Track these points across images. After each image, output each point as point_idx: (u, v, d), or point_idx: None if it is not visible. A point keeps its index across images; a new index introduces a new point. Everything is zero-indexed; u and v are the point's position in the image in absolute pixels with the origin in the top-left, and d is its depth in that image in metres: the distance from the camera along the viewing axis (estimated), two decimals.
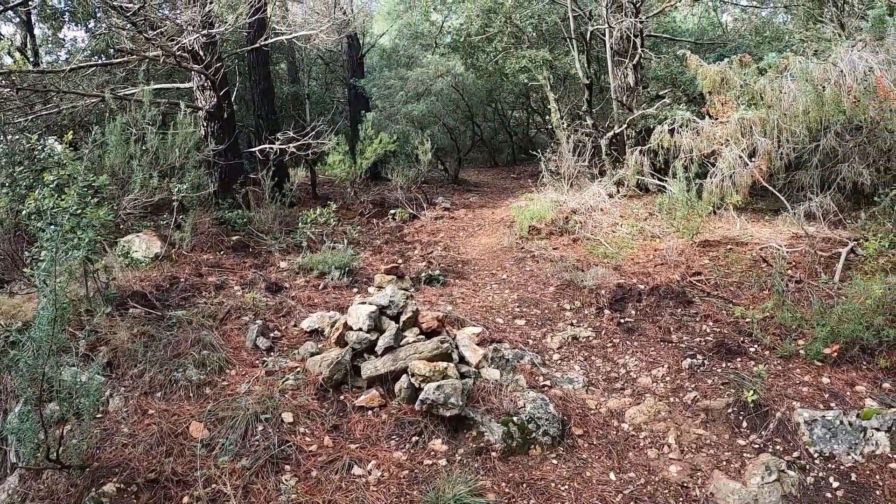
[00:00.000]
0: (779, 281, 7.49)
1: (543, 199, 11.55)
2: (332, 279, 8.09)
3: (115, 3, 8.75)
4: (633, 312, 7.53)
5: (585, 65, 14.67)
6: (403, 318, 5.99)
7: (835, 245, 8.55)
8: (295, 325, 6.79)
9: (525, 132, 24.82)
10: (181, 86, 11.70)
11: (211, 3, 10.46)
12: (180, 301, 7.01)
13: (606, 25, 13.05)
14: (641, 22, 13.27)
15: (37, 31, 14.75)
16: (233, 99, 11.83)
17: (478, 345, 6.25)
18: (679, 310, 7.45)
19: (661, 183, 10.52)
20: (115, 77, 11.87)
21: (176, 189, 8.39)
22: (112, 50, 12.76)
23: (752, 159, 8.77)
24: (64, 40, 15.33)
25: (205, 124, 10.93)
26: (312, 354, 6.00)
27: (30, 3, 13.27)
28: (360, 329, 5.84)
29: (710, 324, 7.09)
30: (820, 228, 9.03)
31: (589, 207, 11.10)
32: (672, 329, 7.05)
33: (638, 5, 13.20)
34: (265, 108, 13.92)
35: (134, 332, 5.99)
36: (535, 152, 14.52)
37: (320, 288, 7.95)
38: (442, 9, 19.04)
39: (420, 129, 14.99)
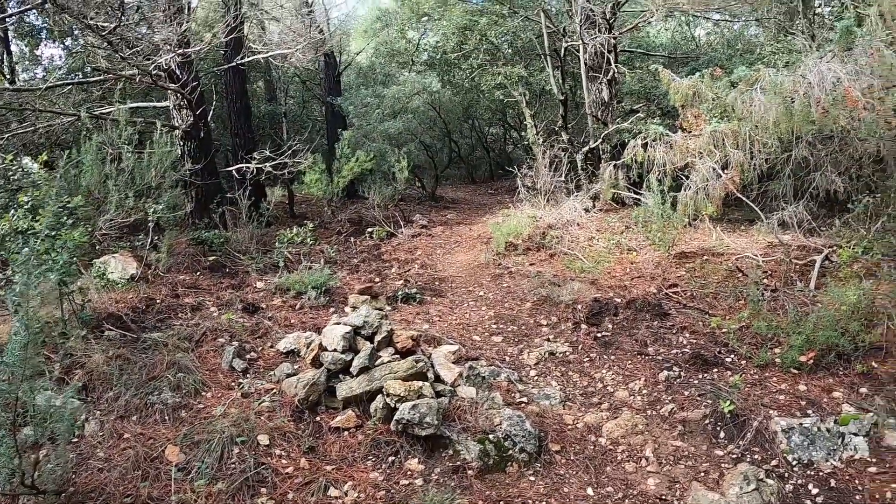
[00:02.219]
0: (754, 290, 7.56)
1: (520, 214, 11.59)
2: (308, 299, 8.05)
3: (90, 22, 8.69)
4: (610, 326, 7.56)
5: (560, 81, 14.81)
6: (378, 337, 5.97)
7: (810, 253, 8.63)
8: (271, 346, 6.74)
9: (502, 148, 24.94)
10: (158, 105, 11.62)
11: (187, 21, 10.43)
12: (156, 323, 6.94)
13: (580, 42, 13.15)
14: (615, 38, 13.39)
15: (14, 48, 14.62)
16: (209, 118, 11.77)
17: (454, 363, 6.25)
18: (656, 322, 7.49)
19: (637, 196, 10.60)
20: (92, 95, 11.79)
21: (152, 209, 8.34)
22: (89, 68, 12.67)
23: (726, 171, 8.86)
24: (41, 58, 15.22)
25: (181, 144, 10.86)
26: (288, 376, 5.95)
27: (6, 20, 13.18)
28: (335, 350, 5.81)
29: (687, 335, 7.14)
30: (795, 237, 9.11)
31: (565, 222, 11.16)
32: (649, 342, 7.08)
33: (611, 21, 13.33)
34: (242, 126, 13.88)
35: (109, 354, 5.91)
36: (511, 168, 14.57)
37: (297, 308, 7.92)
38: (418, 27, 19.12)
39: (397, 147, 14.99)
